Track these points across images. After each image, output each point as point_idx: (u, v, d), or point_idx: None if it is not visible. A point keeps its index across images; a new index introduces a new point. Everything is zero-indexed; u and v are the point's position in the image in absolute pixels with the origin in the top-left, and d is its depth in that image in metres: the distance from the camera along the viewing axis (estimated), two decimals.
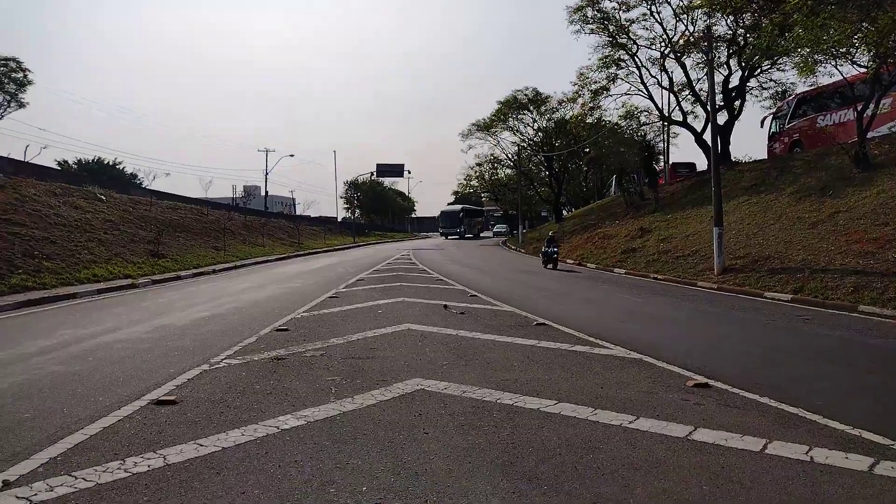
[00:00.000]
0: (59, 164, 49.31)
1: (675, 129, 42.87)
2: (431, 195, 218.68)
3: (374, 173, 69.95)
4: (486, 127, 55.34)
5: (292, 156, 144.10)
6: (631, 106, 38.78)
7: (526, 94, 52.64)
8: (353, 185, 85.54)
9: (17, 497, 3.85)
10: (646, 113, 39.30)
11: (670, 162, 41.15)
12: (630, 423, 5.17)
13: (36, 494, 3.89)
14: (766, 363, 7.71)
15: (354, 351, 8.27)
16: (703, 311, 12.64)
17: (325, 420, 5.36)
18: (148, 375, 7.12)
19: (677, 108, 35.02)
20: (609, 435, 4.88)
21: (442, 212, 76.77)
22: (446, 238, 69.90)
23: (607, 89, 36.33)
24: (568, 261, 28.82)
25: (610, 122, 41.11)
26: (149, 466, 4.34)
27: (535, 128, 54.57)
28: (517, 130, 54.98)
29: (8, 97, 38.16)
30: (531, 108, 53.19)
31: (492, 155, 60.74)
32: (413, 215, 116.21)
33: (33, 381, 6.99)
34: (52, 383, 6.86)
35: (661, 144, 42.70)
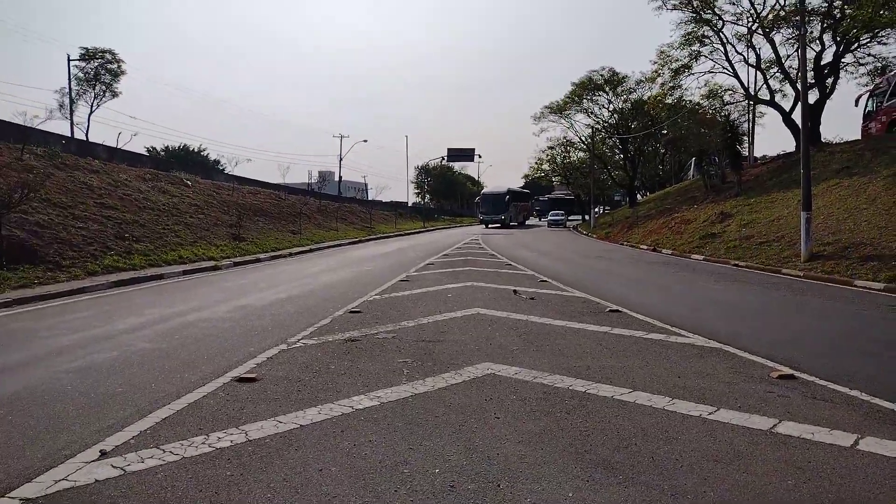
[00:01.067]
0: (148, 150, 51.98)
1: (760, 108, 40.84)
2: (501, 180, 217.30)
3: (445, 158, 70.11)
4: (558, 109, 54.33)
5: (365, 141, 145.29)
6: (714, 85, 37.22)
7: (602, 75, 51.30)
8: (424, 170, 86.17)
9: (113, 466, 4.10)
10: (730, 92, 37.62)
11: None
12: (710, 414, 4.98)
13: (129, 465, 4.12)
14: (856, 355, 7.25)
15: (425, 334, 8.34)
16: (788, 299, 12.01)
17: (398, 402, 5.43)
18: (230, 353, 7.43)
19: (764, 86, 33.37)
20: (687, 426, 4.72)
21: (483, 194, 64.22)
22: (486, 227, 58.33)
23: (689, 67, 34.98)
24: (642, 246, 28.07)
25: (691, 102, 39.58)
26: (231, 442, 4.52)
27: (611, 109, 53.18)
28: (591, 112, 53.73)
29: (103, 87, 40.65)
30: (607, 88, 51.77)
31: (564, 138, 59.64)
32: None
33: (124, 356, 7.43)
34: (142, 359, 7.27)
35: (745, 125, 40.82)
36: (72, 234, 17.49)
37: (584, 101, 53.00)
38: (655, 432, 4.57)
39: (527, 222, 68.71)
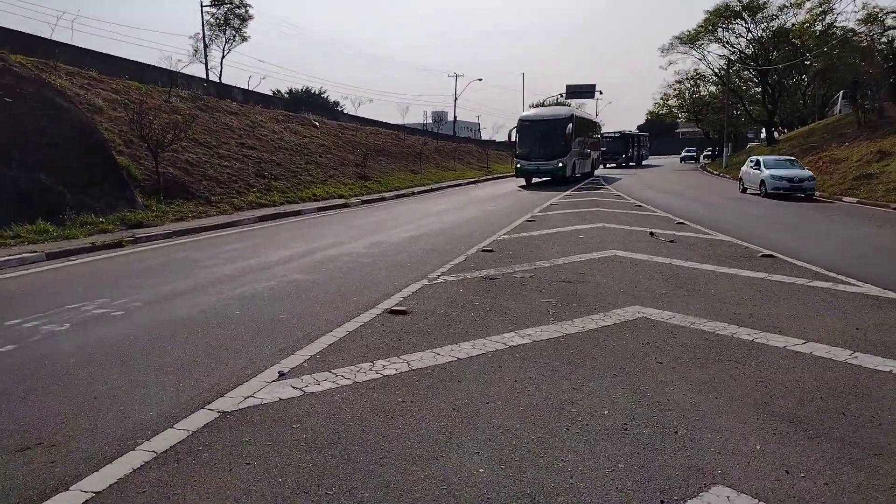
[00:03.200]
0: (274, 93, 54.19)
1: None
2: (620, 118, 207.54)
3: (564, 94, 67.52)
4: (689, 40, 50.25)
5: (480, 80, 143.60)
6: (874, 7, 32.81)
7: (740, 1, 46.74)
8: (539, 106, 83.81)
9: (293, 387, 4.37)
10: (893, 15, 33.03)
11: None
12: None
13: (307, 386, 4.38)
14: None
15: (563, 275, 8.20)
16: None
17: (550, 341, 5.38)
18: (377, 287, 7.69)
19: None
20: (879, 382, 4.31)
21: (521, 123, 31.73)
22: (528, 182, 31.11)
23: None
24: None
25: (843, 28, 35.27)
26: (396, 370, 4.69)
27: (749, 38, 48.52)
28: (726, 42, 49.30)
29: (233, 32, 42.45)
30: (745, 15, 47.12)
31: (695, 70, 55.23)
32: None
33: (281, 286, 7.90)
34: (297, 289, 7.70)
35: None
36: (218, 172, 18.73)
37: (719, 29, 48.68)
38: (841, 387, 4.22)
39: (596, 167, 41.47)
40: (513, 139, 31.61)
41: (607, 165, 52.25)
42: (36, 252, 10.25)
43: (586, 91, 66.95)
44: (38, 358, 5.19)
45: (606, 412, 3.87)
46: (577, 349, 5.14)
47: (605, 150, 48.56)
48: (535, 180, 30.83)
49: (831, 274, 8.04)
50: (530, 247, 10.63)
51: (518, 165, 30.63)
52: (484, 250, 10.35)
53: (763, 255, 9.37)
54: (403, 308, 6.47)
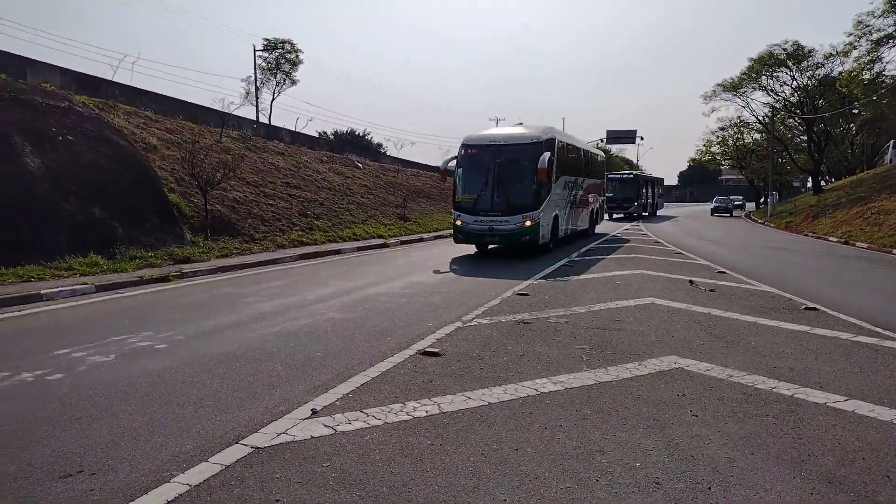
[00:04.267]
0: (320, 134, 55.85)
1: None
2: (661, 164, 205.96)
3: (604, 139, 67.67)
4: (733, 87, 50.06)
5: (520, 124, 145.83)
6: None
7: (784, 49, 46.41)
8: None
9: (325, 425, 4.44)
10: None
11: None
12: None
13: (339, 425, 4.44)
14: None
15: (598, 321, 8.14)
16: None
17: (582, 388, 5.34)
18: (411, 327, 7.76)
19: None
20: None
21: (465, 149, 16.76)
22: (481, 249, 17.79)
23: (893, 37, 30.62)
24: (830, 238, 25.28)
25: (894, 77, 34.71)
26: (426, 412, 4.71)
27: (793, 86, 48.10)
28: (770, 90, 48.92)
29: (283, 75, 44.18)
30: (790, 63, 46.83)
31: (738, 118, 54.89)
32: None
33: (317, 324, 8.04)
34: (333, 327, 7.82)
35: None
36: (263, 210, 19.28)
37: (763, 77, 48.42)
38: (886, 448, 4.07)
39: (596, 226, 26.14)
40: (451, 176, 17.60)
41: (614, 216, 41.75)
42: (87, 284, 10.67)
43: (627, 136, 67.01)
44: (84, 387, 5.39)
45: (638, 464, 3.81)
46: (610, 398, 5.09)
47: (612, 195, 40.12)
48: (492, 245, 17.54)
49: (877, 329, 7.78)
50: (566, 292, 10.59)
51: (458, 223, 16.42)
52: (519, 294, 10.35)
53: (806, 308, 9.13)
54: (436, 350, 6.51)
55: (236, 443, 4.13)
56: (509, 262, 15.13)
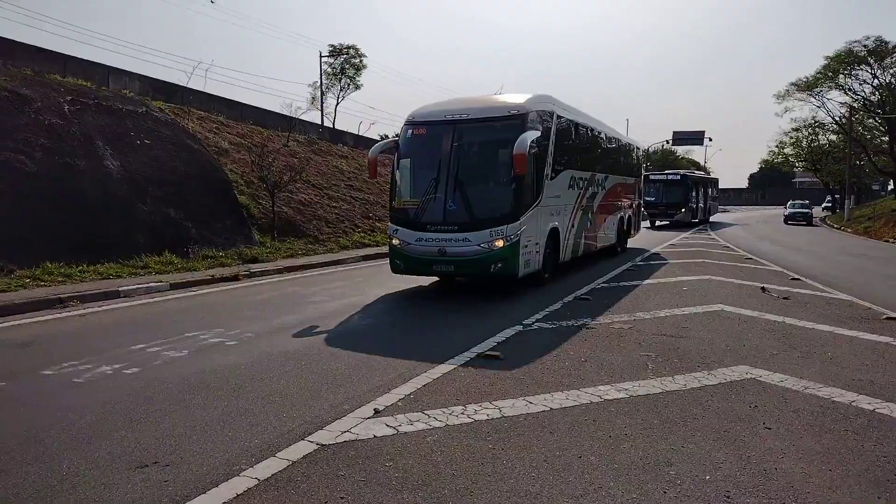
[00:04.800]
0: (382, 137, 56.71)
1: None
2: (730, 165, 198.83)
3: (670, 141, 65.89)
4: (808, 86, 47.86)
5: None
6: None
7: (865, 46, 44.11)
8: (644, 154, 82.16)
9: (387, 425, 4.48)
10: None
11: None
12: None
13: (401, 425, 4.48)
14: None
15: (664, 328, 7.92)
16: None
17: (647, 397, 5.21)
18: (472, 330, 7.74)
19: None
20: None
21: (409, 130, 10.95)
22: (444, 279, 11.85)
23: None
24: None
25: None
26: (487, 415, 4.70)
27: (874, 85, 45.59)
28: (848, 89, 46.53)
29: (348, 80, 45.07)
30: (871, 60, 44.45)
31: (813, 118, 52.44)
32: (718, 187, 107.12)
33: (378, 324, 8.19)
34: (393, 327, 7.91)
35: None
36: (327, 212, 19.73)
37: (841, 76, 46.06)
38: None
39: (629, 239, 19.62)
40: (396, 171, 11.27)
41: (658, 223, 35.45)
42: (161, 282, 11.17)
43: (694, 137, 64.77)
44: (159, 381, 5.63)
45: (708, 477, 3.68)
46: (677, 408, 4.94)
47: (654, 199, 34.73)
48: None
49: None
50: (629, 297, 10.37)
51: (394, 242, 10.67)
52: (580, 298, 10.20)
53: (888, 318, 8.63)
54: (497, 353, 6.48)
55: (302, 439, 4.22)
56: (469, 306, 9.49)
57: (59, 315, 8.77)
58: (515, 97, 11.10)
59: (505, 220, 9.90)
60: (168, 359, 6.41)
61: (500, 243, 9.84)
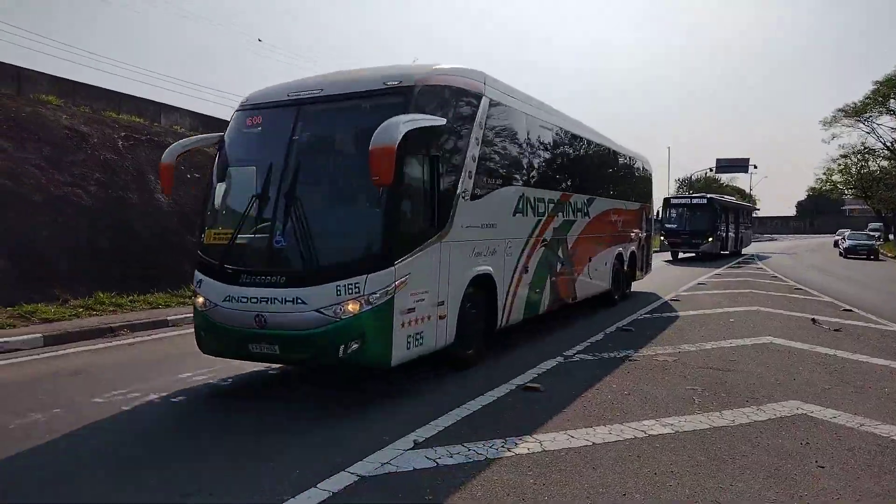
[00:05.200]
0: None
1: None
2: (776, 193, 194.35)
3: (714, 168, 64.70)
4: (856, 112, 46.76)
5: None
6: None
7: None
8: (686, 183, 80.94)
9: (427, 457, 4.46)
10: None
11: None
12: None
13: (440, 458, 4.45)
14: None
15: (710, 361, 7.72)
16: None
17: (694, 433, 5.07)
18: (511, 361, 7.67)
19: None
20: None
21: (237, 125, 6.92)
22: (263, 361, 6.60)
23: None
24: None
25: None
26: (528, 449, 4.63)
27: None
28: None
29: None
30: None
31: (862, 144, 51.00)
32: (753, 215, 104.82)
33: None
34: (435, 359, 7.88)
35: None
36: None
37: (892, 100, 44.82)
38: None
39: (633, 282, 14.96)
40: (216, 183, 6.92)
41: (681, 254, 31.13)
42: None
43: (739, 165, 63.21)
44: (203, 410, 5.75)
45: None
46: (725, 444, 4.79)
47: (675, 227, 30.54)
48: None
49: None
50: (673, 328, 10.16)
51: (198, 301, 6.45)
52: (623, 329, 10.04)
53: None
54: (537, 385, 6.41)
55: (343, 470, 4.23)
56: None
57: (109, 344, 9.05)
58: (409, 67, 6.96)
59: (366, 267, 5.66)
60: (213, 387, 6.53)
61: (352, 307, 5.59)
